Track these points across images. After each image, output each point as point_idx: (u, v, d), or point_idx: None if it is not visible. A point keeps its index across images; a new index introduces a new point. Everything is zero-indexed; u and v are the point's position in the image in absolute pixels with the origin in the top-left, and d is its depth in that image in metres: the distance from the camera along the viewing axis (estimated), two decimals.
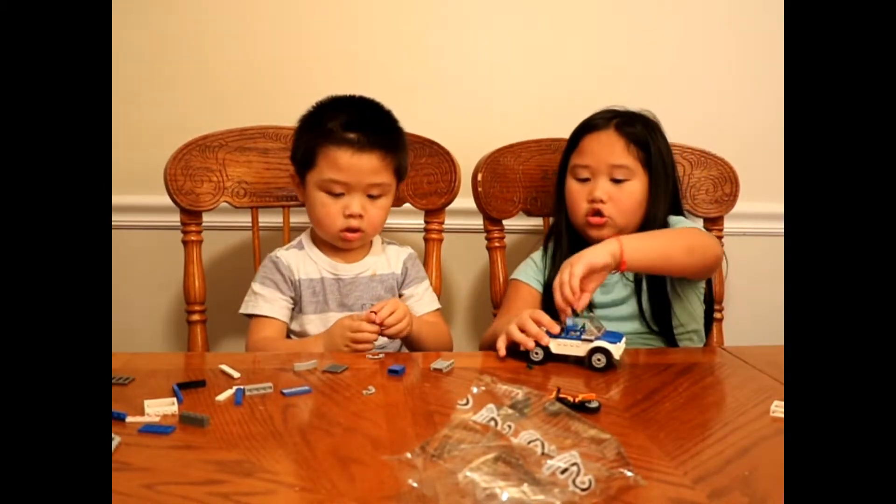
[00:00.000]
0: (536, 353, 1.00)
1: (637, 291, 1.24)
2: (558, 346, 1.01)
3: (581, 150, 1.26)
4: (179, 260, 1.31)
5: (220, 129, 1.32)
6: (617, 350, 0.99)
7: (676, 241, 1.14)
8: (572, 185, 1.27)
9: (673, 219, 1.27)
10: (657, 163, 1.24)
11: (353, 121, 1.17)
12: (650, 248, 1.09)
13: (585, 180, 1.25)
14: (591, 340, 1.00)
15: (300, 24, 1.50)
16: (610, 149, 1.23)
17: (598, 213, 1.23)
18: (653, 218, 1.25)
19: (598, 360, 0.99)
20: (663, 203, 1.26)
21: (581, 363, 1.00)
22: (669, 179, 1.27)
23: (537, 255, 1.34)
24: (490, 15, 1.54)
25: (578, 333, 1.02)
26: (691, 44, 1.59)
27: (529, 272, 1.32)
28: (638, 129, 1.24)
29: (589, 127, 1.27)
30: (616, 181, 1.23)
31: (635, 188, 1.23)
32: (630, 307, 1.24)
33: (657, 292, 1.23)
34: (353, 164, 1.15)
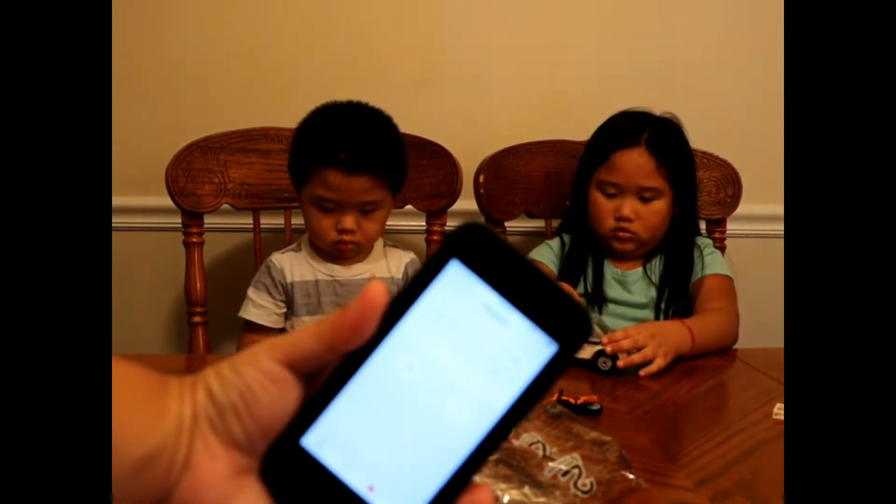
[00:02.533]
0: None
1: (658, 300, 1.26)
2: None
3: (611, 168, 1.24)
4: (181, 262, 1.31)
5: (222, 130, 1.32)
6: (622, 353, 0.99)
7: (723, 329, 1.18)
8: (598, 198, 1.26)
9: (703, 242, 1.32)
10: (682, 176, 1.26)
11: (344, 140, 1.13)
12: (709, 333, 1.14)
13: (612, 195, 1.25)
14: (596, 343, 0.99)
15: (302, 25, 1.50)
16: (641, 170, 1.22)
17: (624, 228, 1.24)
18: (678, 232, 1.28)
19: (604, 362, 0.99)
20: (688, 216, 1.29)
21: (586, 366, 1.00)
22: (693, 191, 1.30)
23: (553, 243, 1.35)
24: (492, 16, 1.54)
25: None
26: (693, 45, 1.59)
27: (545, 252, 1.33)
28: (667, 145, 1.24)
29: (619, 141, 1.24)
30: (644, 199, 1.23)
31: (661, 206, 1.24)
32: (647, 311, 1.26)
33: (678, 300, 1.25)
34: (343, 185, 1.12)
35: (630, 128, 1.25)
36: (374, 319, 0.30)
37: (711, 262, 1.28)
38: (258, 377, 0.29)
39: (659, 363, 1.00)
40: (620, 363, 0.98)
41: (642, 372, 0.99)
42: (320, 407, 0.31)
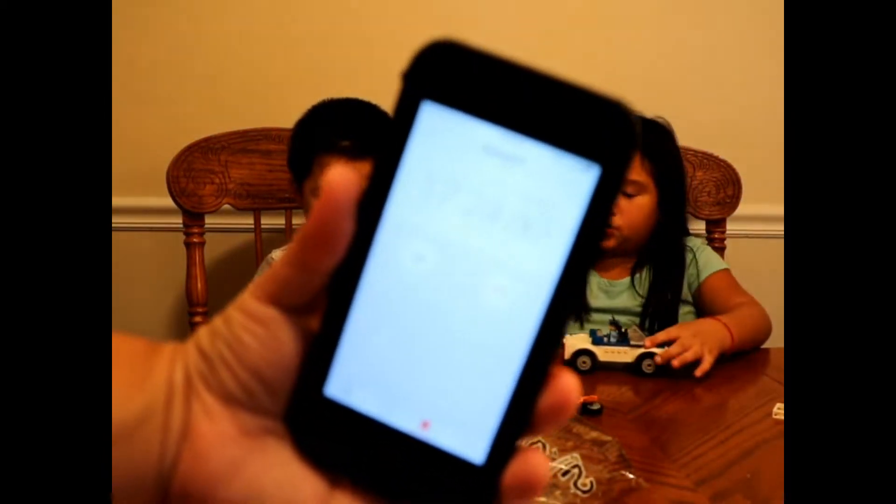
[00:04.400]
0: (584, 363, 1.00)
1: (645, 306, 1.25)
2: (605, 354, 0.99)
3: None
4: (182, 262, 1.31)
5: (223, 130, 1.32)
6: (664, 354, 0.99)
7: (758, 321, 1.17)
8: None
9: (694, 243, 1.30)
10: (669, 177, 1.25)
11: (346, 127, 1.15)
12: (746, 328, 1.12)
13: None
14: (639, 346, 0.99)
15: (302, 26, 1.50)
16: None
17: None
18: (663, 230, 1.27)
19: (649, 365, 0.98)
20: (673, 216, 1.28)
21: (629, 370, 0.99)
22: (680, 191, 1.29)
23: None
24: (491, 17, 1.54)
25: (620, 340, 1.00)
26: (693, 45, 1.59)
27: None
28: (653, 143, 1.24)
29: None
30: (626, 194, 1.23)
31: (645, 202, 1.23)
32: (629, 318, 1.25)
33: (663, 312, 1.24)
34: None
35: None
36: (345, 216, 0.23)
37: (707, 262, 1.27)
38: (242, 320, 0.25)
39: (708, 360, 0.98)
40: (676, 363, 0.97)
41: (697, 372, 0.97)
42: (331, 345, 0.25)
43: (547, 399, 0.24)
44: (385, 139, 0.24)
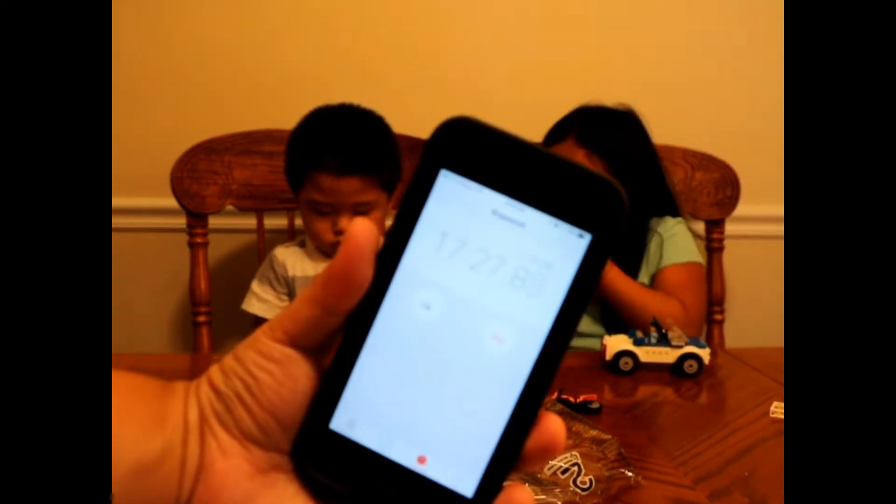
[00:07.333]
0: (626, 363, 1.00)
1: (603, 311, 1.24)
2: (647, 354, 1.00)
3: None
4: (185, 262, 1.32)
5: (226, 132, 1.33)
6: (706, 355, 0.99)
7: (645, 302, 1.17)
8: None
9: (670, 229, 1.27)
10: (623, 165, 1.22)
11: (333, 143, 1.14)
12: (620, 287, 1.16)
13: None
14: (680, 347, 1.00)
15: (304, 28, 1.51)
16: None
17: None
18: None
19: (690, 365, 0.98)
20: (636, 203, 1.26)
21: (671, 371, 1.00)
22: (643, 178, 1.27)
23: None
24: (492, 17, 1.55)
25: (661, 341, 1.01)
26: (692, 46, 1.60)
27: None
28: (600, 135, 1.23)
29: (550, 139, 1.27)
30: None
31: None
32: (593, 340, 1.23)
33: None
34: (335, 187, 1.14)
35: (561, 124, 1.26)
36: (366, 263, 0.26)
37: (672, 252, 1.25)
38: (258, 360, 0.26)
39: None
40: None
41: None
42: (340, 382, 0.27)
43: (534, 440, 0.26)
44: (405, 199, 0.26)
